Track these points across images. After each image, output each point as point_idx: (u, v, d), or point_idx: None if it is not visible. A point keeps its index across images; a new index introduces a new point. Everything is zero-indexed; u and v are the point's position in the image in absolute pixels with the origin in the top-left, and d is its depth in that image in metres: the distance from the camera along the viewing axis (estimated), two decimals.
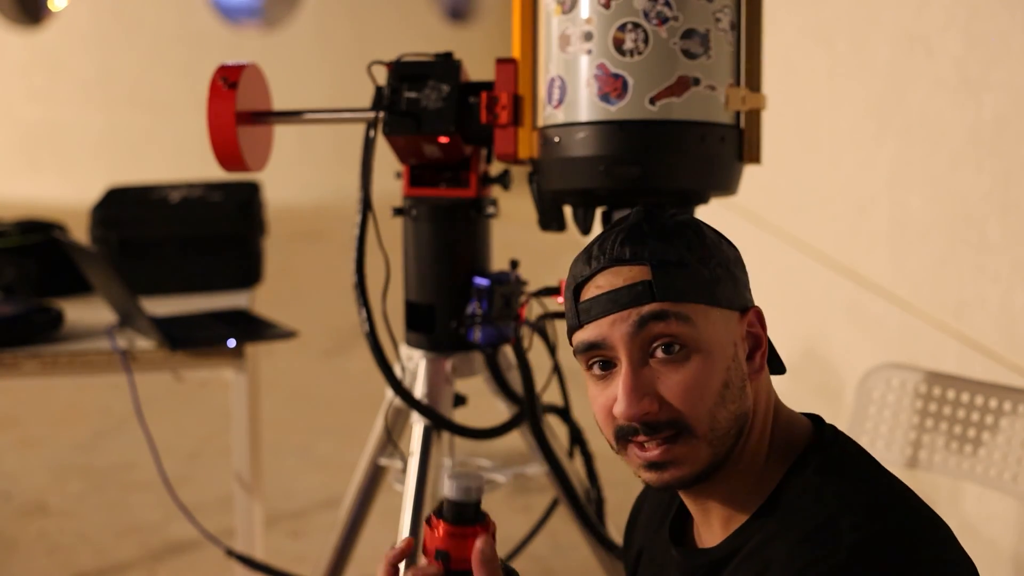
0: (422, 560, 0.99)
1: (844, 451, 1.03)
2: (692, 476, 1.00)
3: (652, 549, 1.16)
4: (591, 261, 1.03)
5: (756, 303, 1.07)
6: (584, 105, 1.41)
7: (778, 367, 1.12)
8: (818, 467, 1.00)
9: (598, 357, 1.02)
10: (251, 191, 2.74)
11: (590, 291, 1.02)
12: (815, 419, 1.08)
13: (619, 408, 0.99)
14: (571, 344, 1.05)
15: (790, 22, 3.35)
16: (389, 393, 1.77)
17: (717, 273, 1.02)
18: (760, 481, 1.03)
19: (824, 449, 1.02)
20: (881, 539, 0.92)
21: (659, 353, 0.99)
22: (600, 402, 1.02)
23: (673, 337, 0.98)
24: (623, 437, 1.01)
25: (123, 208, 2.66)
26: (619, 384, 0.99)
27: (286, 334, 2.24)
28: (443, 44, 1.79)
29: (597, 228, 1.56)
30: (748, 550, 0.99)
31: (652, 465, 1.00)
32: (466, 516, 0.97)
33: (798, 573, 0.92)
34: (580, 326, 1.03)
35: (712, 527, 1.05)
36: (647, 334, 0.99)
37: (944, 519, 0.99)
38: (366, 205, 1.63)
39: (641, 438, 0.99)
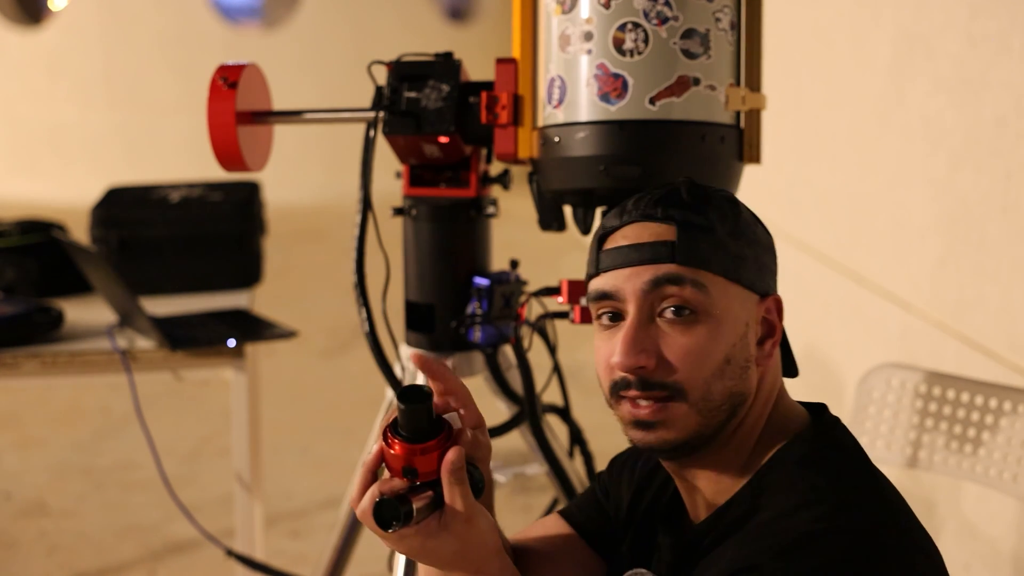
0: (385, 473, 0.99)
1: (834, 444, 1.03)
2: (677, 442, 1.00)
3: (633, 520, 1.17)
4: (623, 215, 1.05)
5: None
6: (584, 105, 1.41)
7: (791, 369, 1.12)
8: (800, 457, 1.00)
9: (608, 307, 1.03)
10: (251, 191, 2.74)
11: (615, 241, 1.04)
12: (818, 409, 1.08)
13: (616, 357, 0.99)
14: (586, 292, 1.07)
15: (790, 22, 3.35)
16: (389, 393, 1.77)
17: (744, 252, 1.02)
18: (746, 465, 1.03)
19: (812, 440, 1.02)
20: (836, 534, 0.91)
21: (668, 314, 1.00)
22: (603, 353, 1.03)
23: (685, 301, 0.99)
24: (617, 391, 1.01)
25: (123, 208, 2.66)
26: (621, 335, 1.00)
27: (286, 334, 2.25)
28: (443, 44, 1.79)
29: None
30: (717, 532, 0.99)
31: (640, 423, 1.01)
32: (422, 433, 0.97)
33: (745, 557, 0.92)
34: (598, 274, 1.04)
35: (698, 506, 1.06)
36: (660, 294, 1.00)
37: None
38: (366, 205, 1.63)
39: (633, 393, 1.00)
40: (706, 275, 1.00)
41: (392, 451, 0.97)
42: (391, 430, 0.98)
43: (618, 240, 1.04)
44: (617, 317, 1.03)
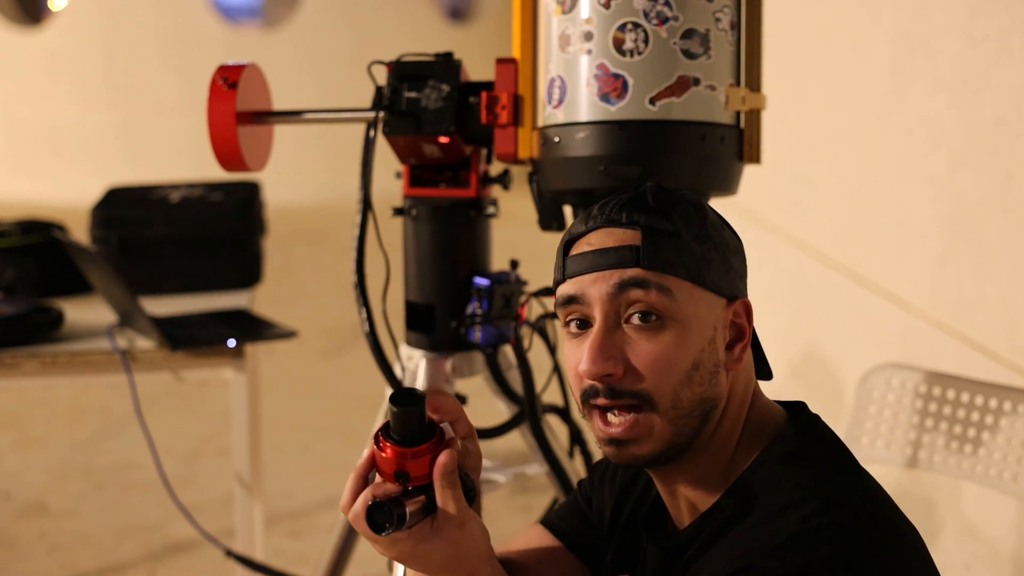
0: (377, 478, 0.99)
1: (815, 441, 1.03)
2: (651, 455, 1.00)
3: (616, 527, 1.17)
4: (588, 220, 1.04)
5: (755, 302, 1.07)
6: (584, 105, 1.41)
7: (764, 372, 1.12)
8: (783, 456, 1.00)
9: (575, 313, 1.02)
10: (251, 191, 2.74)
11: (580, 247, 1.03)
12: (796, 407, 1.08)
13: (583, 365, 0.99)
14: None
15: (790, 22, 3.35)
16: (389, 393, 1.77)
17: (710, 255, 1.02)
18: (728, 468, 1.03)
19: (793, 438, 1.02)
20: (827, 531, 0.92)
21: (634, 320, 0.99)
22: (572, 361, 1.03)
23: (650, 306, 0.99)
24: (587, 399, 1.01)
25: (123, 208, 2.66)
26: (588, 343, 1.00)
27: (286, 334, 2.24)
28: (443, 44, 1.79)
29: None
30: (705, 536, 0.99)
31: (612, 441, 1.00)
32: (414, 437, 0.97)
33: (738, 558, 0.92)
34: (564, 280, 1.04)
35: (681, 512, 1.06)
36: (625, 299, 0.99)
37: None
38: (366, 205, 1.63)
39: (602, 401, 0.99)
40: (671, 279, 0.99)
41: (383, 455, 0.97)
42: (383, 434, 0.97)
43: (583, 246, 1.03)
44: (585, 324, 1.02)
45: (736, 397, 1.04)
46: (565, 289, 1.03)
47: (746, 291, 1.07)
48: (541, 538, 1.22)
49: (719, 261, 1.02)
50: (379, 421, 1.82)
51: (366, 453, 0.98)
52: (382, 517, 0.94)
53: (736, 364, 1.03)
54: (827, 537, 0.91)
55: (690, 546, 1.01)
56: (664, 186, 1.06)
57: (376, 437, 0.98)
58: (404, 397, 0.96)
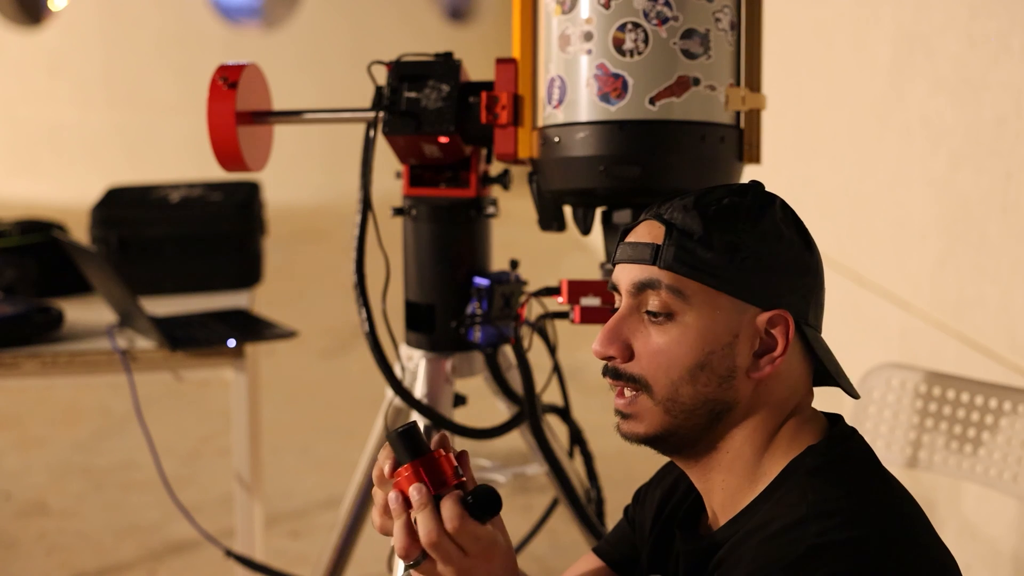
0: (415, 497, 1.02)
1: (845, 455, 1.03)
2: (646, 436, 1.04)
3: (655, 528, 1.18)
4: (646, 211, 1.09)
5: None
6: (584, 105, 1.41)
7: (823, 380, 1.10)
8: (812, 468, 1.00)
9: (617, 296, 1.08)
10: (251, 191, 2.74)
11: (628, 236, 1.08)
12: (832, 420, 1.08)
13: (593, 344, 1.05)
14: None
15: (790, 22, 3.35)
16: (389, 393, 1.77)
17: (745, 264, 1.01)
18: (758, 475, 1.03)
19: (825, 451, 1.02)
20: (843, 547, 0.91)
21: (647, 313, 1.04)
22: None
23: (661, 304, 1.02)
24: (604, 374, 1.07)
25: (123, 208, 2.66)
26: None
27: (286, 334, 2.24)
28: (443, 44, 1.79)
29: (597, 228, 1.56)
30: (733, 542, 1.00)
31: (617, 412, 1.06)
32: (420, 449, 1.02)
33: (756, 570, 0.92)
34: (613, 264, 1.10)
35: (714, 514, 1.08)
36: (643, 292, 1.04)
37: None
38: (366, 205, 1.63)
39: (608, 379, 1.06)
40: (687, 282, 1.01)
41: (405, 475, 1.00)
42: (396, 466, 1.02)
43: (630, 236, 1.08)
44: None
45: (767, 405, 1.03)
46: (612, 274, 1.09)
47: (800, 306, 1.04)
48: (591, 564, 1.27)
49: (757, 271, 1.01)
50: (379, 422, 1.82)
51: (396, 496, 1.00)
52: (488, 500, 0.98)
53: (760, 373, 1.02)
54: (845, 552, 0.91)
55: (719, 549, 1.01)
56: (744, 186, 1.07)
57: (399, 479, 1.01)
58: (399, 427, 1.02)
